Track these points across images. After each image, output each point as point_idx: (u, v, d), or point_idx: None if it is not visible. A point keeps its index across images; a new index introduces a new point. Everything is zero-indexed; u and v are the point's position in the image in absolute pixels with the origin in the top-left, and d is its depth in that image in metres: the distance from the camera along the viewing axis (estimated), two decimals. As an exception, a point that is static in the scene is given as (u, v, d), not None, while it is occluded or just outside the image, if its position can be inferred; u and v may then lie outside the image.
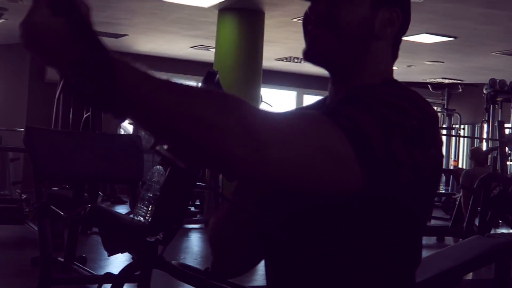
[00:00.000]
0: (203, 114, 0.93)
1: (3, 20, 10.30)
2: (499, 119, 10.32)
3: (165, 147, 1.02)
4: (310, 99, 12.59)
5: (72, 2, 0.92)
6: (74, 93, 0.92)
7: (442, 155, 1.18)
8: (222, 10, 8.86)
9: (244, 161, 0.94)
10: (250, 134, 0.94)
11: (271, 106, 11.40)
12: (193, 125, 0.93)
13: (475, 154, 9.02)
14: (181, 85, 0.97)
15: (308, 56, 1.24)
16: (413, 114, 1.09)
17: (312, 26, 1.23)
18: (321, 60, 1.24)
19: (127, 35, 11.17)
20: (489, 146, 10.83)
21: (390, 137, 1.05)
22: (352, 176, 1.02)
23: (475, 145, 13.49)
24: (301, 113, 1.09)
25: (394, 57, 1.30)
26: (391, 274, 1.18)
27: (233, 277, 1.43)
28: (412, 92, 1.18)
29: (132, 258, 4.29)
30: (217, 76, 3.83)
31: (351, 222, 1.14)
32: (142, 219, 3.81)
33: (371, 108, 1.07)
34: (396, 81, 1.26)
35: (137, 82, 0.93)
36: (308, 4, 1.25)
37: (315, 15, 1.22)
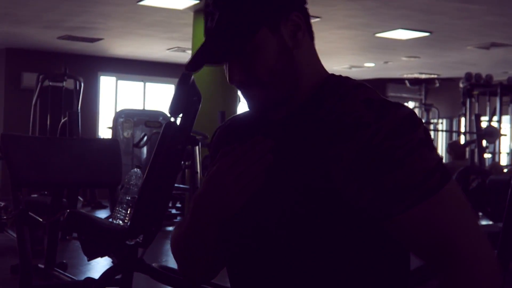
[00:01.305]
0: None
1: (-23, 27, 10.21)
2: (476, 113, 10.40)
3: None
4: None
5: None
6: None
7: None
8: (197, 11, 8.85)
9: None
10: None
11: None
12: None
13: (453, 147, 9.08)
14: None
15: (256, 112, 1.27)
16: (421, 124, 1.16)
17: (242, 89, 1.24)
18: (269, 109, 1.25)
19: (102, 39, 11.12)
20: (467, 140, 10.91)
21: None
22: None
23: (453, 139, 13.59)
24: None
25: (312, 39, 1.29)
26: (387, 264, 1.21)
27: (203, 282, 1.43)
28: (370, 90, 1.21)
29: (113, 262, 4.27)
30: (192, 78, 3.82)
31: (350, 224, 1.17)
32: (121, 222, 3.79)
33: (416, 147, 1.13)
34: (335, 76, 1.27)
35: None
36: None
37: (238, 85, 1.23)
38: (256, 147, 1.18)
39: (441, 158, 1.15)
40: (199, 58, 1.23)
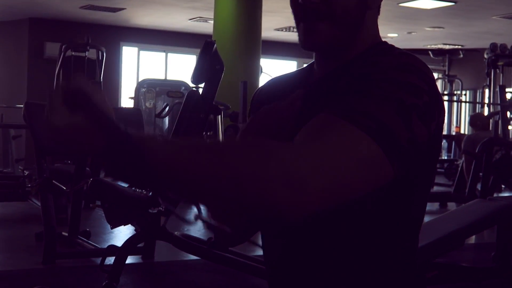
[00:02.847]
0: (239, 170, 0.94)
1: (0, -4, 10.24)
2: (501, 84, 10.27)
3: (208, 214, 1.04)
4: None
5: (85, 96, 0.96)
6: (108, 174, 0.98)
7: (443, 120, 1.20)
8: (219, -20, 8.80)
9: (293, 204, 0.95)
10: (290, 176, 0.95)
11: (271, 76, 11.36)
12: (232, 183, 0.94)
13: (476, 119, 9.00)
14: (211, 144, 1.00)
15: (309, 47, 1.25)
16: (423, 88, 1.10)
17: (309, 20, 1.22)
18: (324, 49, 1.25)
19: (124, 8, 11.11)
20: (491, 111, 10.80)
21: (410, 122, 1.06)
22: (384, 172, 1.04)
23: (477, 111, 13.46)
24: (324, 126, 1.04)
25: (378, 14, 1.31)
26: (397, 241, 1.21)
27: (235, 245, 1.44)
28: (411, 57, 1.17)
29: (135, 230, 4.31)
30: (215, 46, 3.81)
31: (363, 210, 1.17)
32: (144, 191, 3.81)
33: (385, 96, 1.06)
34: (385, 43, 1.26)
35: (165, 155, 0.95)
36: None
37: (311, 10, 1.21)
38: (291, 96, 1.22)
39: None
40: None
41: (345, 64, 1.24)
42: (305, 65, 1.39)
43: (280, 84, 1.38)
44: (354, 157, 1.01)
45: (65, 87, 0.97)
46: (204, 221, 1.06)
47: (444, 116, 1.19)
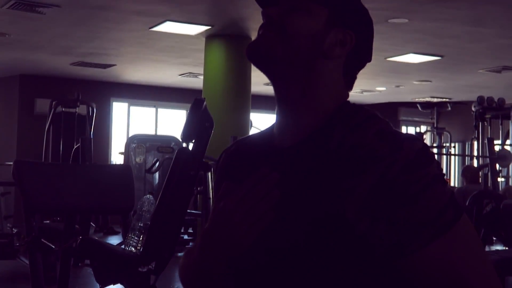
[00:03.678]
0: None
1: (-9, 54, 10.31)
2: (489, 136, 10.35)
3: None
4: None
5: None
6: None
7: None
8: (209, 37, 8.90)
9: None
10: None
11: (260, 130, 11.40)
12: None
13: (467, 171, 9.03)
14: None
15: (250, 53, 1.24)
16: (442, 175, 1.14)
17: (263, 29, 1.24)
18: (261, 60, 1.24)
19: (115, 65, 11.19)
20: (480, 163, 10.85)
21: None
22: None
23: (466, 163, 13.52)
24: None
25: (347, 82, 1.27)
26: None
27: None
28: (385, 123, 1.18)
29: (125, 289, 4.25)
30: (205, 103, 3.83)
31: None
32: (133, 249, 3.78)
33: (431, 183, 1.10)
34: (352, 104, 1.25)
35: None
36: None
37: (267, 18, 1.24)
38: (263, 182, 1.14)
39: (453, 193, 1.13)
40: None
41: (317, 131, 1.21)
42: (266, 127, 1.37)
43: (244, 148, 1.36)
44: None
45: None
46: None
47: None
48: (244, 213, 1.14)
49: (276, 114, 1.29)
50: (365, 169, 1.11)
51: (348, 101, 1.26)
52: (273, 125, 1.32)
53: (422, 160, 1.12)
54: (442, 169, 1.15)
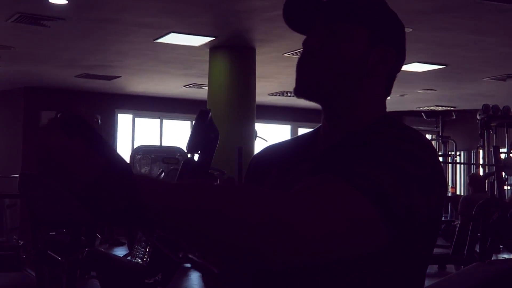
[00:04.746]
0: (231, 216, 0.93)
1: (-4, 67, 10.35)
2: (494, 144, 10.33)
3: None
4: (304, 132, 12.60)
5: (85, 122, 0.89)
6: (93, 215, 0.91)
7: (445, 194, 1.21)
8: (213, 48, 8.91)
9: (278, 253, 0.95)
10: (281, 224, 0.95)
11: (266, 140, 11.41)
12: (222, 228, 0.93)
13: (473, 180, 9.00)
14: (205, 189, 0.96)
15: (298, 91, 1.24)
16: (426, 160, 1.11)
17: (303, 60, 1.23)
18: (310, 95, 1.25)
19: (120, 76, 11.22)
20: (486, 172, 10.82)
21: (409, 191, 1.05)
22: (377, 236, 1.03)
23: (472, 171, 13.49)
24: (322, 182, 1.05)
25: (386, 93, 1.30)
26: None
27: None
28: (414, 131, 1.19)
29: (132, 300, 4.24)
30: (210, 114, 3.83)
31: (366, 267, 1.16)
32: (140, 260, 3.77)
33: (387, 163, 1.07)
34: (391, 117, 1.27)
35: (160, 193, 0.91)
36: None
37: (308, 49, 1.23)
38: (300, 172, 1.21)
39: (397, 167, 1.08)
40: (301, 10, 1.26)
41: (351, 135, 1.24)
42: (305, 131, 1.40)
43: (278, 151, 1.37)
44: (348, 217, 1.00)
45: (66, 112, 0.90)
46: (191, 260, 1.04)
47: (446, 191, 1.19)
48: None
49: (323, 120, 1.30)
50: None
51: (388, 114, 1.29)
52: (313, 134, 1.34)
53: (408, 138, 1.13)
54: (439, 177, 1.14)
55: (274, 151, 1.38)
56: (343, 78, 1.22)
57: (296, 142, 1.37)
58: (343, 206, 1.00)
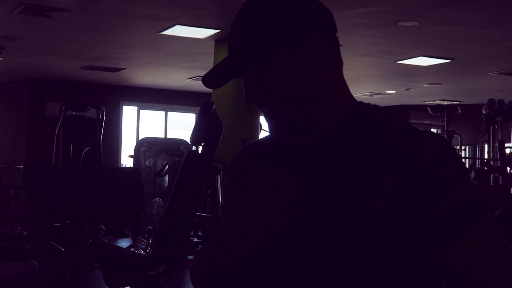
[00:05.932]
0: None
1: (1, 58, 10.36)
2: (499, 139, 10.31)
3: None
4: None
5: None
6: None
7: None
8: (218, 40, 8.90)
9: None
10: None
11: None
12: None
13: (478, 174, 9.00)
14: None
15: (276, 134, 1.25)
16: (457, 156, 1.16)
17: (260, 107, 1.24)
18: (288, 129, 1.22)
19: (125, 68, 11.22)
20: (491, 166, 10.80)
21: (479, 199, 1.15)
22: None
23: (477, 166, 13.46)
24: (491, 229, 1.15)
25: (339, 68, 1.26)
26: None
27: None
28: (404, 121, 1.23)
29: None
30: (214, 107, 3.83)
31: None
32: (143, 252, 3.78)
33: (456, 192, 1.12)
34: (368, 104, 1.27)
35: None
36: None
37: (256, 102, 1.23)
38: (283, 181, 1.14)
39: (476, 188, 1.16)
40: (218, 73, 1.25)
41: (330, 136, 1.21)
42: None
43: (260, 149, 1.34)
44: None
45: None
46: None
47: None
48: (263, 210, 1.13)
49: (288, 115, 1.24)
50: (392, 167, 1.12)
51: (362, 102, 1.27)
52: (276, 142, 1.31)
53: (447, 155, 1.13)
54: (465, 164, 1.17)
55: (256, 150, 1.34)
56: (301, 96, 1.20)
57: (272, 139, 1.33)
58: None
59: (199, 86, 12.66)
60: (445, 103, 14.64)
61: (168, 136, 13.64)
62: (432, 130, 16.03)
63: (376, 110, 1.24)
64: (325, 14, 1.24)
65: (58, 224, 7.31)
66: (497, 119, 11.23)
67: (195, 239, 9.24)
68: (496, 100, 11.11)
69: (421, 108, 15.00)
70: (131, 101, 13.44)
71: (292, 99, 1.19)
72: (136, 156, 10.53)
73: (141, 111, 13.71)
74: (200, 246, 8.96)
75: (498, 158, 9.17)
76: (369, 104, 1.26)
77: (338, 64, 1.26)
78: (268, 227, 1.14)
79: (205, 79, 1.25)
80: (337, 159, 1.18)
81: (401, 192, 1.11)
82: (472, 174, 9.23)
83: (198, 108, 3.80)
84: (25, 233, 7.13)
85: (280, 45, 1.19)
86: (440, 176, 1.11)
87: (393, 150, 1.14)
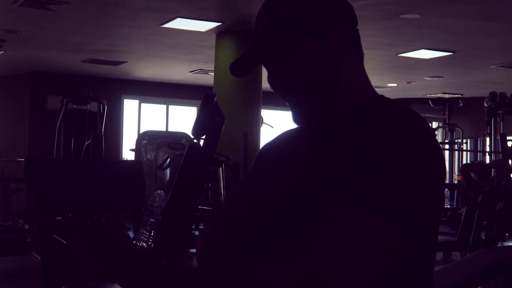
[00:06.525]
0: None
1: (2, 51, 10.34)
2: (501, 132, 10.29)
3: None
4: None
5: (114, 241, 1.05)
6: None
7: (445, 176, 1.21)
8: (219, 33, 8.89)
9: None
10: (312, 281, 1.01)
11: (272, 127, 11.39)
12: None
13: (478, 167, 8.99)
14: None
15: (300, 122, 1.29)
16: (428, 154, 1.11)
17: (285, 95, 1.27)
18: (312, 120, 1.27)
19: (126, 62, 11.21)
20: (492, 159, 10.80)
21: (420, 195, 1.07)
22: (403, 249, 1.06)
23: (479, 159, 13.46)
24: (336, 219, 1.05)
25: (360, 59, 1.32)
26: None
27: None
28: (412, 114, 1.18)
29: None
30: (216, 99, 3.82)
31: None
32: (144, 244, 3.78)
33: (393, 173, 1.07)
34: (382, 97, 1.29)
35: None
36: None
37: (282, 89, 1.27)
38: (293, 154, 1.25)
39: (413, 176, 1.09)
40: (244, 62, 1.28)
41: (346, 118, 1.25)
42: None
43: (286, 137, 1.39)
44: (372, 247, 1.03)
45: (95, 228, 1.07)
46: None
47: (445, 172, 1.19)
48: (270, 173, 1.25)
49: (311, 101, 1.28)
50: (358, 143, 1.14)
51: (382, 96, 1.31)
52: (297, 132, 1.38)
53: (403, 131, 1.12)
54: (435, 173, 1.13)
55: (282, 138, 1.40)
56: (324, 84, 1.24)
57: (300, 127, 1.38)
58: (365, 237, 1.03)
59: (200, 79, 12.64)
60: (447, 96, 14.62)
61: (169, 130, 13.64)
62: (434, 123, 16.02)
63: (387, 102, 1.27)
64: (348, 6, 1.31)
65: (59, 217, 7.32)
66: (499, 112, 11.21)
67: (197, 232, 9.24)
68: (498, 93, 11.09)
69: (423, 101, 14.98)
70: (132, 94, 13.43)
71: (316, 85, 1.24)
72: (137, 150, 10.52)
73: (142, 104, 13.70)
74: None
75: (500, 151, 9.16)
76: (385, 98, 1.29)
77: (360, 54, 1.31)
78: (273, 190, 1.24)
79: (232, 68, 1.29)
80: (331, 146, 1.22)
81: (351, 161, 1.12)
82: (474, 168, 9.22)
83: (199, 102, 3.79)
84: (27, 226, 7.14)
85: (306, 34, 1.24)
86: (385, 150, 1.10)
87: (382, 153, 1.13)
